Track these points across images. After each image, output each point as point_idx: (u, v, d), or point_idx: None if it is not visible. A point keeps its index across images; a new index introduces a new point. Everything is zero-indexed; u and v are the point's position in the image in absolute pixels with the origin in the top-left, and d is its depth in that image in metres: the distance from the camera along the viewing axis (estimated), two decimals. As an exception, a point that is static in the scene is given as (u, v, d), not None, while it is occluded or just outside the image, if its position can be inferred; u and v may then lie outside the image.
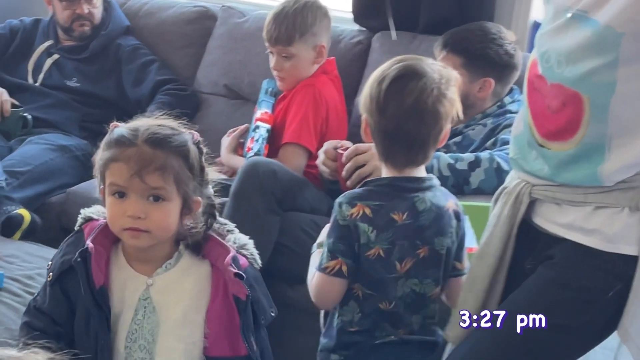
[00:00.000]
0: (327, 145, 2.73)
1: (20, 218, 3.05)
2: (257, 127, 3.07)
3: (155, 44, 3.78)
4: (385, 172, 2.07)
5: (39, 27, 3.83)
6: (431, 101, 1.98)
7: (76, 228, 1.99)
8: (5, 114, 3.52)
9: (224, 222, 2.02)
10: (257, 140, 3.01)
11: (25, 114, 3.55)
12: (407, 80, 1.99)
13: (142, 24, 3.85)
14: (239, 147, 3.15)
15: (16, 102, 3.58)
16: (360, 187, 2.07)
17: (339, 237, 2.02)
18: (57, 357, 1.08)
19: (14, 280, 2.46)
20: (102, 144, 1.88)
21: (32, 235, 3.05)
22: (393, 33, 3.32)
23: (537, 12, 3.28)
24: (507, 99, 2.82)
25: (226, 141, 3.17)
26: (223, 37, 3.66)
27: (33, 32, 3.82)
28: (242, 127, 3.18)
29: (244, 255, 1.96)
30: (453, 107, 2.03)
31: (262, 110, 3.14)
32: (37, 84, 3.70)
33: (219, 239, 1.96)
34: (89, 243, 1.89)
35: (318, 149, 2.96)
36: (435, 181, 2.09)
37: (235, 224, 2.70)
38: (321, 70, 3.11)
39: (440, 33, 2.94)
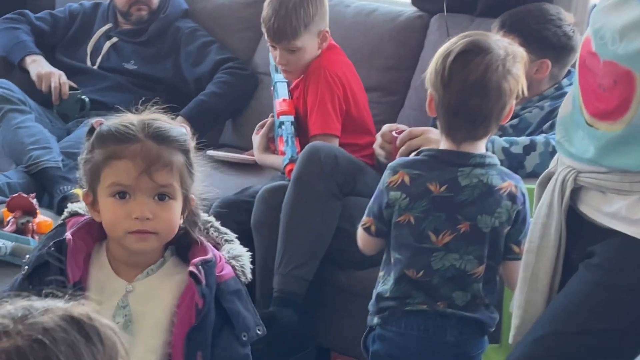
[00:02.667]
0: (385, 128, 2.71)
1: (76, 198, 3.08)
2: (282, 122, 2.99)
3: (212, 27, 3.79)
4: (442, 146, 2.09)
5: (98, 11, 3.86)
6: (495, 77, 2.00)
7: (59, 222, 1.85)
8: (63, 97, 3.57)
9: (224, 232, 1.89)
10: (286, 142, 2.93)
11: (83, 97, 3.59)
12: (473, 55, 2.01)
13: (200, 8, 3.86)
14: (270, 143, 3.10)
15: (74, 85, 3.62)
16: (414, 155, 2.14)
17: (375, 199, 2.13)
18: (103, 311, 1.08)
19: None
20: (92, 141, 1.73)
21: (87, 215, 3.08)
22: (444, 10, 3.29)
23: (598, -6, 3.21)
24: (564, 82, 2.77)
25: (256, 140, 3.12)
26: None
27: (92, 16, 3.85)
28: (268, 122, 3.11)
29: (233, 266, 1.82)
30: (518, 84, 2.05)
31: (280, 98, 3.06)
32: (95, 67, 3.73)
33: (206, 243, 1.81)
34: (67, 235, 1.75)
35: (348, 128, 2.96)
36: (492, 160, 2.09)
37: (297, 209, 2.74)
38: (326, 49, 3.04)
39: (497, 16, 2.90)
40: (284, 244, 2.75)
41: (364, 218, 2.16)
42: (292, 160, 2.84)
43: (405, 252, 2.08)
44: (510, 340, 1.91)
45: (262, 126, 3.13)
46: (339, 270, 2.83)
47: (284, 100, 3.05)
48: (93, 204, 1.74)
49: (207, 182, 3.24)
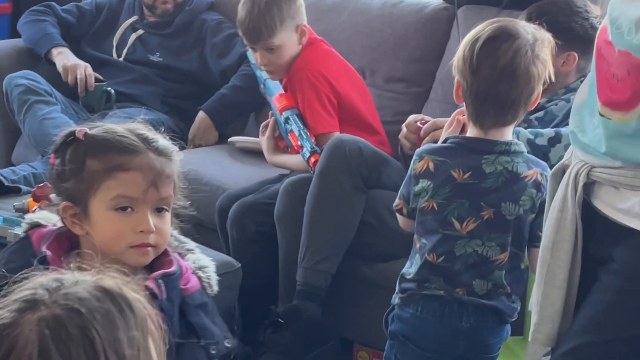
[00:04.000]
0: (410, 118, 2.71)
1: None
2: (288, 118, 2.95)
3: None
4: (469, 132, 2.11)
5: (124, 3, 3.88)
6: (524, 62, 2.03)
7: (21, 234, 1.79)
8: (89, 88, 3.58)
9: (184, 241, 1.84)
10: (300, 135, 2.89)
11: (108, 89, 3.60)
12: (501, 41, 2.03)
13: (226, 0, 3.85)
14: (278, 142, 3.05)
15: (100, 77, 3.64)
16: (442, 142, 2.17)
17: (405, 184, 2.17)
18: (132, 282, 1.10)
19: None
20: (82, 150, 1.66)
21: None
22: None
23: (626, -14, 3.18)
24: (591, 74, 2.74)
25: (264, 142, 3.07)
26: (309, 10, 3.63)
27: (118, 9, 3.87)
28: (271, 121, 3.05)
29: (199, 277, 1.77)
30: (546, 69, 2.08)
31: (275, 94, 3.02)
32: (120, 59, 3.74)
33: (173, 255, 1.76)
34: (46, 251, 1.66)
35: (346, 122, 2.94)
36: (519, 147, 2.10)
37: (321, 203, 2.74)
38: (306, 45, 3.00)
39: (524, 8, 2.89)
40: (307, 238, 2.75)
41: (396, 200, 2.20)
42: (314, 152, 2.83)
43: (430, 238, 2.10)
44: (529, 338, 1.88)
45: (265, 127, 3.08)
46: (362, 263, 2.83)
47: (281, 95, 3.01)
48: (76, 217, 1.68)
49: (229, 172, 3.23)
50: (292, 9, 2.94)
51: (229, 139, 3.50)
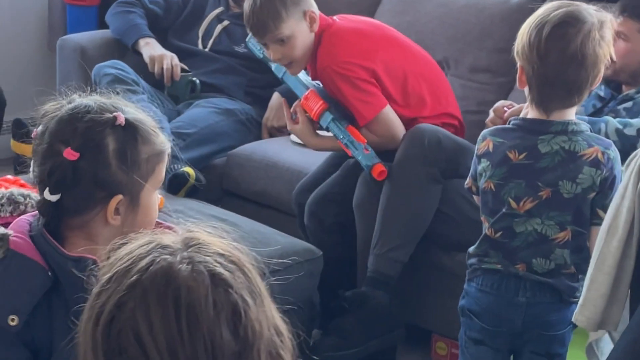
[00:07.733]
0: (498, 103, 2.69)
1: (186, 176, 3.13)
2: (328, 127, 2.82)
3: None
4: (530, 115, 2.13)
5: (210, -6, 3.91)
6: (592, 45, 2.04)
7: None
8: (175, 78, 3.62)
9: None
10: (347, 145, 2.77)
11: (194, 79, 3.64)
12: (569, 26, 2.04)
13: (310, -9, 3.86)
14: (315, 124, 2.91)
15: (185, 67, 3.68)
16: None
17: (473, 162, 2.22)
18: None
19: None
20: (139, 139, 1.60)
21: (195, 194, 3.13)
22: None
23: None
24: (682, 66, 2.69)
25: (300, 130, 2.91)
26: (393, 1, 3.65)
27: (204, 0, 3.90)
28: (297, 106, 2.90)
29: None
30: (609, 49, 2.09)
31: (301, 98, 2.88)
32: (206, 50, 3.78)
33: None
34: (91, 256, 1.55)
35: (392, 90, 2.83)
36: (578, 127, 2.10)
37: (397, 192, 2.72)
38: (319, 34, 2.82)
39: (614, 1, 2.84)
40: (381, 226, 2.75)
41: (467, 179, 2.26)
42: (370, 165, 2.74)
43: (492, 217, 2.14)
44: (572, 319, 1.90)
45: (294, 112, 2.93)
46: (442, 253, 2.83)
47: (306, 98, 2.87)
48: (119, 208, 1.60)
49: (307, 158, 3.18)
50: None
51: (291, 137, 3.38)
